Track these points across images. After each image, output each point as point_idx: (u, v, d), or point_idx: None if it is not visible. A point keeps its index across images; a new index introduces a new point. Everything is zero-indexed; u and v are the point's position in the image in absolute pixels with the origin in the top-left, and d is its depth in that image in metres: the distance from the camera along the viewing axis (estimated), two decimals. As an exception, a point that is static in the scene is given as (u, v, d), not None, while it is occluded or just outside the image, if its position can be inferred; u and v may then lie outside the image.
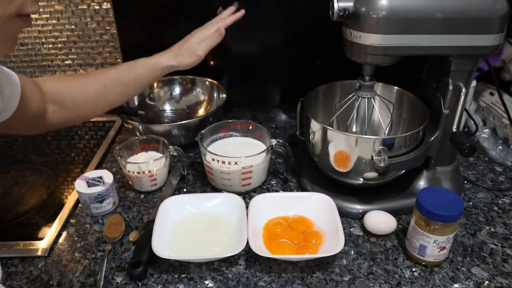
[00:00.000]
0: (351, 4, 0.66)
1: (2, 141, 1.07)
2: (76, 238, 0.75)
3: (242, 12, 0.82)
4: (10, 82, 0.57)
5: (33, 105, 0.62)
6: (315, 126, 0.76)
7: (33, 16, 1.07)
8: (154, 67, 0.73)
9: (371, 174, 0.74)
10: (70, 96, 0.67)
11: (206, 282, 0.66)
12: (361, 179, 0.76)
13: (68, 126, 0.74)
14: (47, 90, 0.65)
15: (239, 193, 0.80)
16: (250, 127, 0.92)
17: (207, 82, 1.10)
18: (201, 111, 1.10)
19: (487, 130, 1.01)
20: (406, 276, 0.66)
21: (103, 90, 0.69)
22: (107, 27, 1.09)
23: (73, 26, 1.09)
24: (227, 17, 0.82)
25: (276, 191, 0.86)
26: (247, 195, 0.84)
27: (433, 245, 0.65)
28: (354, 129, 0.88)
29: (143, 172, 0.83)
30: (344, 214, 0.76)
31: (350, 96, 0.79)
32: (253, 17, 1.04)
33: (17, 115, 0.59)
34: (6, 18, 0.42)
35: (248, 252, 0.69)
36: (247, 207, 0.74)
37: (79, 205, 0.82)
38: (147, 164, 0.83)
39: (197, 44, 0.77)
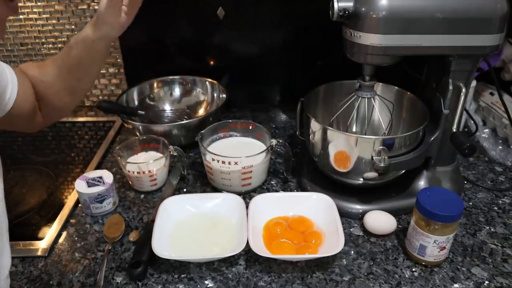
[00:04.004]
0: (351, 4, 0.66)
1: (2, 141, 1.07)
2: (76, 238, 0.75)
3: None
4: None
5: (30, 100, 0.62)
6: (315, 126, 0.76)
7: (33, 16, 1.08)
8: (85, 42, 0.65)
9: (371, 174, 0.74)
10: (40, 85, 0.67)
11: (206, 282, 0.66)
12: (361, 179, 0.76)
13: (53, 123, 0.73)
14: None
15: (239, 193, 0.80)
16: (250, 127, 0.92)
17: (207, 82, 1.10)
18: (201, 111, 1.10)
19: (487, 130, 1.01)
20: (406, 276, 0.66)
21: (58, 79, 0.67)
22: (107, 27, 1.09)
23: (73, 26, 1.09)
24: None
25: (276, 191, 0.86)
26: (247, 195, 0.84)
27: (433, 245, 0.65)
28: (354, 129, 0.88)
29: (143, 172, 0.83)
30: (344, 214, 0.76)
31: (350, 96, 0.79)
32: (253, 17, 1.05)
33: (15, 111, 0.60)
34: None
35: (248, 252, 0.69)
36: (247, 207, 0.74)
37: (79, 205, 0.82)
38: (147, 164, 0.83)
39: (105, 10, 0.63)
